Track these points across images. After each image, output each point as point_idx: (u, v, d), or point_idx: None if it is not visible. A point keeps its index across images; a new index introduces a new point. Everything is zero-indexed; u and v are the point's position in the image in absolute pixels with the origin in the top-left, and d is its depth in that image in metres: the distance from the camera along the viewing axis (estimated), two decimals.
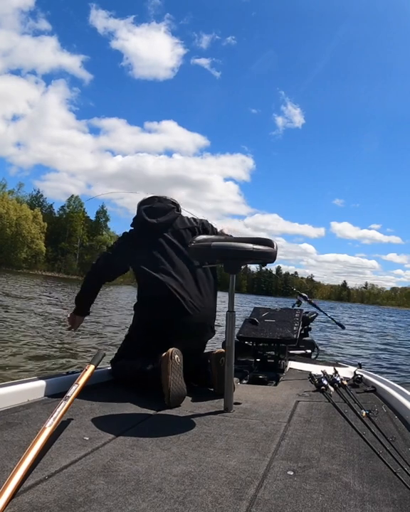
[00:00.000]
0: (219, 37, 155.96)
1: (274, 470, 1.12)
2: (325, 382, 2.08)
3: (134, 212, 2.21)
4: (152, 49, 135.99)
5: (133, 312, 2.17)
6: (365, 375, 2.29)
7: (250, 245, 1.62)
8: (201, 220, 2.25)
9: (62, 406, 1.30)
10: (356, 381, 2.18)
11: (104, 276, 2.21)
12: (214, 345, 4.32)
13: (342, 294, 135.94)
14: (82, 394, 1.49)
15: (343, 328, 3.11)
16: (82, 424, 1.41)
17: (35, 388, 1.68)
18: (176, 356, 1.74)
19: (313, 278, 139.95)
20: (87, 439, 1.28)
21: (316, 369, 2.49)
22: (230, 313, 1.71)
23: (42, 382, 1.71)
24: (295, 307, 3.31)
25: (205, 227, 2.21)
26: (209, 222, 2.26)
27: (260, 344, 2.68)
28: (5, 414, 1.43)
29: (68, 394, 1.39)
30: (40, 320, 8.61)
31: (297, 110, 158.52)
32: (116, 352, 2.15)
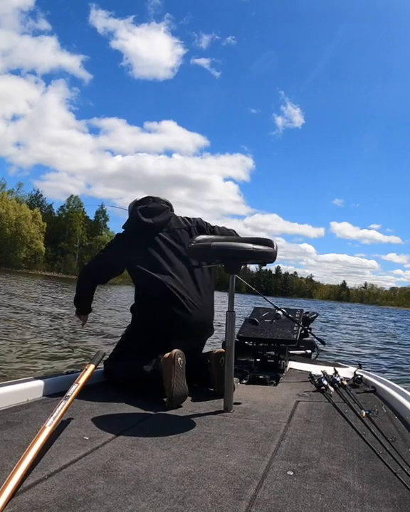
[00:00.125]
0: (219, 37, 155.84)
1: (274, 470, 1.12)
2: (325, 382, 2.08)
3: None
4: (152, 49, 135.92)
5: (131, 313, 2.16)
6: (365, 376, 2.29)
7: (250, 245, 1.62)
8: (194, 219, 2.24)
9: (62, 405, 1.31)
10: (356, 381, 2.18)
11: (97, 277, 2.21)
12: (215, 345, 4.33)
13: (341, 294, 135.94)
14: (82, 393, 1.49)
15: (323, 343, 3.14)
16: (82, 424, 1.41)
17: (35, 388, 1.68)
18: (179, 358, 1.72)
19: (313, 278, 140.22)
20: (87, 438, 1.28)
21: (316, 369, 2.49)
22: (230, 313, 1.71)
23: (42, 382, 1.71)
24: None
25: (200, 225, 2.19)
26: (203, 220, 2.25)
27: (260, 344, 2.68)
28: (5, 414, 1.43)
29: (68, 393, 1.39)
30: (40, 319, 8.61)
31: (297, 110, 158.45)
32: (111, 352, 2.12)
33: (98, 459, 1.13)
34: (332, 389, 2.04)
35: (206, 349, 2.18)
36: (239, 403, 1.79)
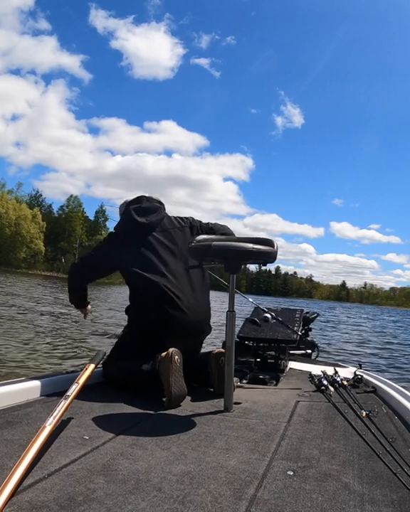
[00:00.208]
0: (219, 37, 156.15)
1: (274, 470, 1.12)
2: (325, 382, 2.08)
3: None
4: (152, 49, 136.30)
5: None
6: (365, 376, 2.29)
7: (250, 245, 1.62)
8: (187, 218, 2.22)
9: (62, 405, 1.30)
10: (357, 381, 2.18)
11: (85, 277, 2.19)
12: (215, 345, 4.33)
13: (341, 294, 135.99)
14: (82, 393, 1.49)
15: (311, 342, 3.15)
16: (82, 423, 1.41)
17: (35, 387, 1.68)
18: (176, 357, 1.72)
19: (312, 278, 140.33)
20: (87, 438, 1.28)
21: (316, 369, 2.49)
22: (231, 313, 1.71)
23: (42, 381, 1.71)
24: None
25: (193, 224, 2.18)
26: (195, 219, 2.24)
27: (261, 344, 2.68)
28: (5, 413, 1.43)
29: (68, 393, 1.39)
30: (40, 319, 8.61)
31: (297, 110, 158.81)
32: (108, 354, 2.08)
33: (98, 459, 1.13)
34: (332, 389, 2.04)
35: (206, 349, 2.18)
36: (239, 403, 1.79)
